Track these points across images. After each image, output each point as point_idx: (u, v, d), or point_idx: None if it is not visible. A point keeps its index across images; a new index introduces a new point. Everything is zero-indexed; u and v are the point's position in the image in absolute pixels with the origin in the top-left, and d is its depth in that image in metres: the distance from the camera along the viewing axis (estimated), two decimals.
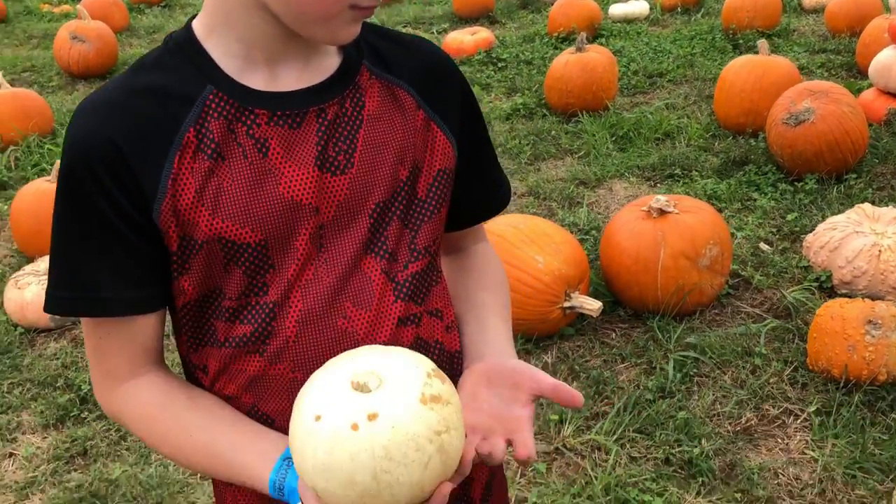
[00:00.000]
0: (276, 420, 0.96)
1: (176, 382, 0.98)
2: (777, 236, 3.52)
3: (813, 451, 2.39)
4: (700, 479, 2.31)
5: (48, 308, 0.92)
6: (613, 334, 3.00)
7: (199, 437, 0.93)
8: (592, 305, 2.81)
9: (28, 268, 3.44)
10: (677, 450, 2.41)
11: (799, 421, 2.52)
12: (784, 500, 2.25)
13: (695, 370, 2.75)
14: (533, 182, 4.30)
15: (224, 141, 0.88)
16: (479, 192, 1.10)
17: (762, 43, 4.58)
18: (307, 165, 0.90)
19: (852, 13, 5.88)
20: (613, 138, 4.75)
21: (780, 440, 2.46)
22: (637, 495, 2.26)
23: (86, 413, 2.78)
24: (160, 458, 2.55)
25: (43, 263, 3.44)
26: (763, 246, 3.44)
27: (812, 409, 2.53)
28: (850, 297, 2.91)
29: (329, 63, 0.94)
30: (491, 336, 1.06)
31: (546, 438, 2.52)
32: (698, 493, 2.27)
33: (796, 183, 3.89)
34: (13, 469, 2.58)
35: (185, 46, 0.91)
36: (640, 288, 2.95)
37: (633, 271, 2.94)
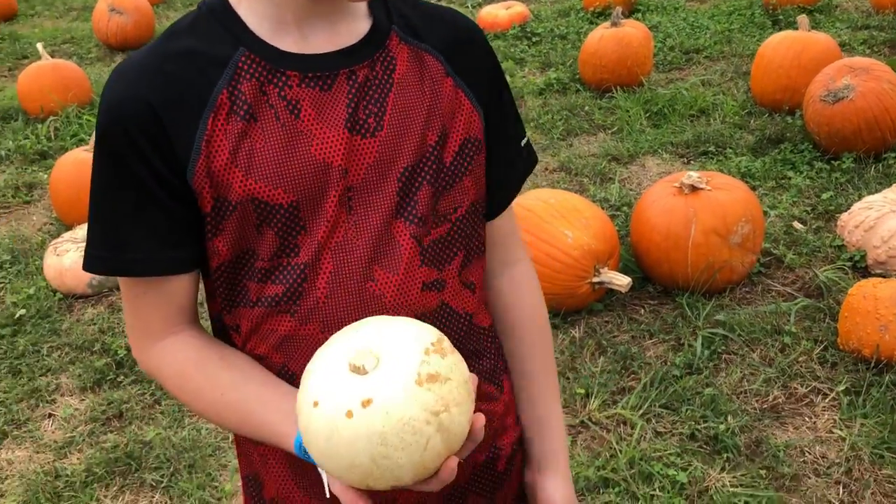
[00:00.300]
0: None
1: (209, 341, 1.00)
2: (811, 215, 3.48)
3: (841, 430, 2.38)
4: (725, 455, 2.31)
5: (86, 267, 0.95)
6: (642, 310, 3.00)
7: (230, 396, 0.96)
8: (621, 281, 2.81)
9: (66, 235, 3.52)
10: (703, 426, 2.42)
11: (827, 400, 2.50)
12: (810, 477, 2.25)
13: (723, 347, 2.74)
14: (565, 157, 4.28)
15: (256, 102, 0.89)
16: (508, 163, 1.10)
17: (802, 18, 4.49)
18: (338, 127, 0.90)
19: None
20: (647, 114, 4.71)
21: (807, 419, 2.45)
22: (661, 469, 2.27)
23: (121, 377, 2.85)
24: (193, 421, 2.61)
25: (81, 231, 3.51)
26: (796, 224, 3.40)
27: (841, 388, 2.51)
28: (884, 277, 2.87)
29: (359, 27, 0.95)
30: (550, 445, 1.15)
31: (572, 412, 2.53)
32: (723, 469, 2.28)
33: (833, 161, 3.83)
34: (52, 429, 2.66)
35: (217, 11, 0.92)
36: (670, 264, 2.94)
37: (664, 248, 2.93)
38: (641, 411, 2.49)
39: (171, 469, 2.43)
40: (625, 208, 3.62)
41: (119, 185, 0.90)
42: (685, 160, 4.18)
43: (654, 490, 2.22)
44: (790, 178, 3.79)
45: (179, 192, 0.90)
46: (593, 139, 4.56)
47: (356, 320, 0.90)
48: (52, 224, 4.01)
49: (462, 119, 0.99)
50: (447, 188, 0.98)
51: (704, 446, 2.37)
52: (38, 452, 2.56)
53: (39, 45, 5.51)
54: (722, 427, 2.38)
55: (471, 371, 1.03)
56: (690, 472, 2.27)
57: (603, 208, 3.45)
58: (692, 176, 2.94)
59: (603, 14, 6.54)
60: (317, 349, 0.93)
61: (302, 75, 0.90)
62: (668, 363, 2.69)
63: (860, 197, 3.43)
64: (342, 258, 0.93)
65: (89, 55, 6.85)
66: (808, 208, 3.53)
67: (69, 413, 2.70)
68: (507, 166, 1.09)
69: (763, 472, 2.26)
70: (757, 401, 2.52)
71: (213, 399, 0.96)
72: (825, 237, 3.28)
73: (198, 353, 0.98)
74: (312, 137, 0.90)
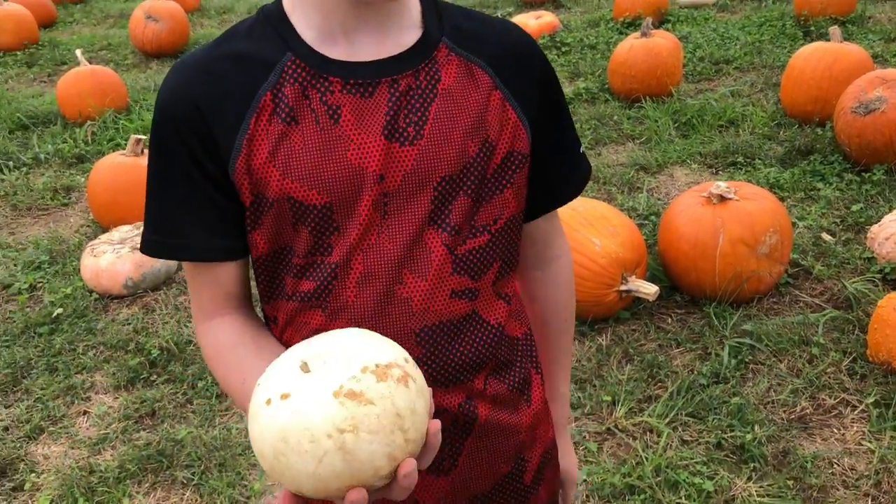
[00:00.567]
0: None
1: (250, 327, 1.04)
2: (840, 227, 3.46)
3: (870, 442, 2.37)
4: (752, 465, 2.31)
5: (142, 249, 1.01)
6: (669, 319, 3.00)
7: (250, 383, 0.99)
8: (649, 290, 2.82)
9: (103, 237, 3.60)
10: (729, 435, 2.42)
11: (856, 412, 2.49)
12: (838, 489, 2.24)
13: (750, 357, 2.74)
14: (593, 166, 4.28)
15: (298, 106, 0.93)
16: (553, 174, 1.10)
17: (834, 30, 4.47)
18: (375, 134, 0.93)
19: None
20: (676, 124, 4.71)
21: (835, 430, 2.45)
22: (687, 478, 2.28)
23: (154, 376, 2.91)
24: (224, 420, 2.66)
25: (117, 233, 3.59)
26: (825, 236, 3.39)
27: (870, 400, 2.50)
28: None
29: (409, 37, 0.97)
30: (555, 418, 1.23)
31: (598, 419, 2.55)
32: (749, 479, 2.28)
33: (863, 173, 3.81)
34: (87, 426, 2.72)
35: (272, 17, 0.96)
36: (697, 274, 2.95)
37: (691, 257, 2.93)
38: (668, 419, 2.50)
39: (202, 467, 2.48)
40: (653, 217, 3.62)
41: (169, 176, 0.96)
42: (714, 170, 4.18)
43: (680, 498, 2.23)
44: (819, 190, 3.78)
45: (223, 185, 0.95)
46: (622, 148, 4.57)
47: (383, 321, 0.95)
48: (88, 226, 4.09)
49: (508, 132, 1.00)
50: (487, 200, 1.00)
51: (731, 455, 2.37)
52: (73, 448, 2.62)
53: (78, 52, 5.63)
54: (749, 436, 2.38)
55: (498, 380, 1.06)
56: (717, 481, 2.27)
57: (631, 217, 3.46)
58: (720, 186, 2.95)
59: (633, 24, 6.56)
60: None
61: (344, 82, 0.93)
62: (695, 372, 2.69)
63: (891, 209, 3.42)
64: (373, 260, 0.96)
65: (125, 61, 6.99)
66: (838, 220, 3.52)
67: (103, 410, 2.77)
68: (558, 176, 1.11)
69: (790, 482, 2.26)
70: (784, 411, 2.51)
71: (236, 384, 0.99)
72: (854, 249, 3.27)
73: (235, 337, 1.02)
74: (350, 142, 0.93)
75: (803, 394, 2.57)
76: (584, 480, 2.32)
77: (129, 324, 3.23)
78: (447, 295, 0.99)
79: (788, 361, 2.71)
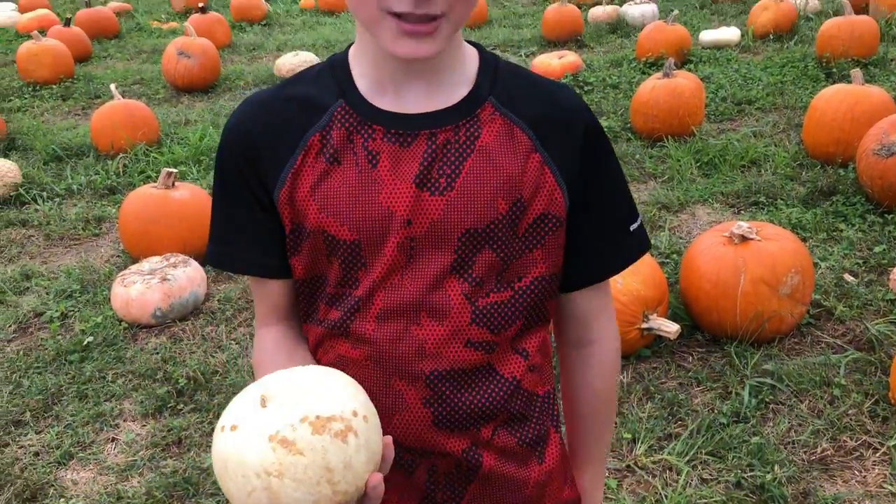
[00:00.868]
0: None
1: (289, 340, 1.11)
2: (863, 268, 3.47)
3: (891, 485, 2.37)
4: None
5: (205, 260, 1.13)
6: (690, 358, 3.02)
7: None
8: (670, 328, 2.85)
9: (133, 267, 3.68)
10: (749, 474, 2.42)
11: (878, 454, 2.49)
12: None
13: (771, 397, 2.75)
14: None
15: (342, 148, 1.00)
16: (592, 246, 1.09)
17: (856, 72, 4.51)
18: (407, 181, 0.98)
19: None
20: (698, 164, 4.75)
21: (857, 472, 2.44)
22: None
23: (181, 405, 2.96)
24: None
25: (147, 264, 3.67)
26: (847, 277, 3.40)
27: (892, 443, 2.50)
28: None
29: (456, 93, 1.02)
30: None
31: (618, 456, 2.56)
32: None
33: (886, 215, 3.83)
34: (115, 452, 2.77)
35: (336, 66, 1.05)
36: (718, 313, 2.97)
37: (713, 296, 2.96)
38: (688, 458, 2.51)
39: None
40: (674, 256, 3.65)
41: (227, 197, 1.07)
42: (735, 210, 4.21)
43: None
44: (842, 231, 3.79)
45: (269, 210, 1.04)
46: (644, 187, 4.62)
47: (400, 357, 1.01)
48: (118, 256, 4.19)
49: (543, 194, 1.02)
50: (515, 257, 1.02)
51: (751, 495, 2.37)
52: (101, 474, 2.67)
53: (113, 86, 5.79)
54: (769, 477, 2.39)
55: (508, 433, 1.07)
56: None
57: (653, 255, 3.49)
58: (742, 226, 2.98)
59: (655, 64, 6.64)
60: (362, 373, 1.03)
61: (385, 130, 1.00)
62: (716, 411, 2.71)
63: None
64: (393, 298, 1.01)
65: (157, 95, 7.16)
66: (860, 261, 3.53)
67: (131, 438, 2.82)
68: (596, 249, 1.09)
69: None
70: (805, 452, 2.52)
71: None
72: (877, 290, 3.27)
73: (274, 346, 1.11)
74: (383, 186, 0.99)
75: (824, 435, 2.57)
76: None
77: (158, 353, 3.30)
78: (462, 344, 1.02)
79: (809, 402, 2.72)
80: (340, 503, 0.84)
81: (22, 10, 10.93)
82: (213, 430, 2.81)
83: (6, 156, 5.61)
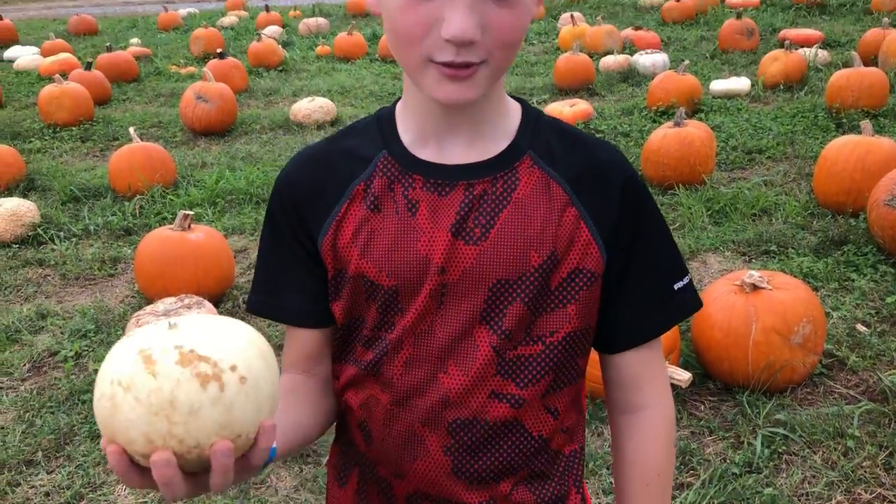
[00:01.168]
0: (376, 438, 1.10)
1: (298, 389, 1.12)
2: (875, 318, 3.47)
3: None
4: None
5: (248, 307, 1.15)
6: (702, 406, 3.01)
7: None
8: (682, 376, 2.85)
9: (148, 308, 3.71)
10: None
11: None
12: None
13: (783, 448, 2.73)
14: None
15: (383, 196, 1.04)
16: (632, 304, 1.07)
17: (865, 123, 4.56)
18: (444, 229, 1.01)
19: None
20: (709, 212, 4.78)
21: None
22: None
23: None
24: (258, 493, 2.70)
25: (162, 305, 3.70)
26: (860, 327, 3.40)
27: None
28: None
29: (496, 146, 1.04)
30: None
31: None
32: None
33: None
34: (125, 494, 2.77)
35: (382, 118, 1.09)
36: (730, 362, 2.96)
37: (724, 345, 2.96)
38: None
39: None
40: None
41: (274, 245, 1.11)
42: (747, 258, 4.22)
43: None
44: (853, 281, 3.79)
45: (314, 257, 1.07)
46: None
47: (422, 401, 1.04)
48: (133, 297, 4.23)
49: (578, 249, 1.02)
50: (547, 311, 1.02)
51: None
52: None
53: (131, 129, 5.89)
54: None
55: (527, 490, 1.06)
56: None
57: None
58: (753, 275, 2.99)
59: (666, 113, 6.71)
60: (386, 416, 1.06)
61: (425, 180, 1.03)
62: (728, 461, 2.69)
63: None
64: (422, 343, 1.04)
65: (174, 139, 7.28)
66: (873, 311, 3.52)
67: None
68: (643, 306, 1.07)
69: None
70: None
71: None
72: (890, 341, 3.26)
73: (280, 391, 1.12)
74: (421, 234, 1.02)
75: (838, 487, 2.55)
76: None
77: None
78: (486, 394, 1.03)
79: (823, 453, 2.70)
80: (177, 452, 0.77)
81: (45, 54, 11.16)
82: None
83: (25, 196, 5.70)
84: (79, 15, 14.88)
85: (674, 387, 2.99)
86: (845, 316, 3.48)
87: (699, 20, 11.60)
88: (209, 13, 16.18)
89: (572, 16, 11.09)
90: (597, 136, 6.58)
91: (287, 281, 1.10)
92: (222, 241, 4.18)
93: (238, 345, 0.82)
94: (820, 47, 8.59)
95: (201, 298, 3.75)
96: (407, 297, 1.03)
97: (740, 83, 7.43)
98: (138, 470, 0.79)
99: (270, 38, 11.05)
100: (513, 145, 1.04)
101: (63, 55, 10.48)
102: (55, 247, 4.88)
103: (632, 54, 9.07)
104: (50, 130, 7.50)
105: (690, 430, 2.87)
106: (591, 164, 1.04)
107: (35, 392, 3.37)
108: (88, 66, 8.92)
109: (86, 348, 3.70)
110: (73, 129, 7.51)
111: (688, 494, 2.53)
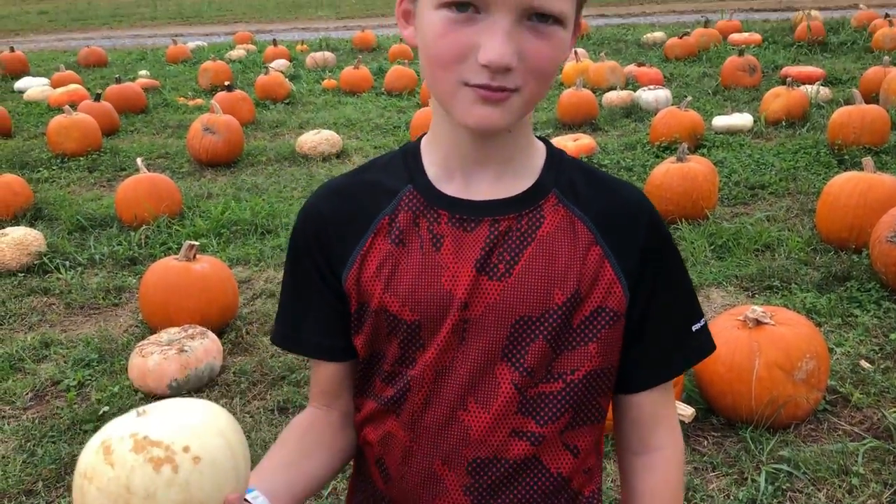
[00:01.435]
0: (394, 475, 1.09)
1: (316, 424, 1.13)
2: (879, 354, 3.46)
3: None
4: None
5: (272, 340, 1.16)
6: (705, 442, 3.00)
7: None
8: (685, 411, 2.84)
9: (152, 338, 3.72)
10: None
11: None
12: None
13: (788, 484, 2.71)
14: None
15: (408, 230, 1.04)
16: (649, 346, 1.07)
17: (867, 160, 4.59)
18: (468, 264, 1.01)
19: None
20: (712, 247, 4.79)
21: None
22: None
23: None
24: None
25: (165, 335, 3.71)
26: (864, 363, 3.39)
27: None
28: None
29: (522, 184, 1.05)
30: None
31: None
32: None
33: None
34: None
35: (407, 153, 1.10)
36: (733, 397, 2.96)
37: (727, 379, 2.95)
38: None
39: None
40: None
41: (296, 277, 1.11)
42: (750, 293, 4.22)
43: None
44: (857, 317, 3.79)
45: (337, 291, 1.07)
46: None
47: (442, 440, 1.03)
48: (137, 326, 4.24)
49: (601, 288, 1.02)
50: (568, 349, 1.02)
51: None
52: None
53: (139, 160, 5.94)
54: None
55: None
56: None
57: None
58: (756, 310, 2.99)
59: (668, 148, 6.75)
60: (404, 452, 1.05)
61: (450, 215, 1.03)
62: (731, 497, 2.67)
63: None
64: (442, 380, 1.03)
65: (181, 169, 7.33)
66: (876, 347, 3.52)
67: None
68: (661, 347, 1.08)
69: None
70: None
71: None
72: (894, 378, 3.26)
73: (297, 424, 1.14)
74: (445, 269, 1.02)
75: None
76: None
77: None
78: (507, 432, 1.02)
79: (827, 491, 2.68)
80: None
81: (54, 85, 11.29)
82: None
83: (32, 225, 5.74)
84: (89, 47, 15.06)
85: None
86: (849, 352, 3.47)
87: (702, 57, 11.72)
88: (217, 46, 16.37)
89: (576, 52, 11.20)
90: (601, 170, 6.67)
91: (308, 314, 1.10)
92: (227, 272, 4.20)
93: (192, 426, 0.85)
94: (821, 84, 8.66)
95: (205, 329, 3.76)
96: (429, 332, 1.03)
97: (743, 119, 7.49)
98: None
99: (278, 72, 11.18)
100: (538, 183, 1.05)
101: (72, 86, 10.61)
102: (60, 276, 4.90)
103: (635, 90, 9.14)
104: (58, 160, 7.56)
105: (694, 466, 2.86)
106: (615, 204, 1.06)
107: (37, 421, 3.36)
108: (97, 98, 9.03)
109: (89, 378, 3.70)
110: (81, 159, 7.58)
111: None
